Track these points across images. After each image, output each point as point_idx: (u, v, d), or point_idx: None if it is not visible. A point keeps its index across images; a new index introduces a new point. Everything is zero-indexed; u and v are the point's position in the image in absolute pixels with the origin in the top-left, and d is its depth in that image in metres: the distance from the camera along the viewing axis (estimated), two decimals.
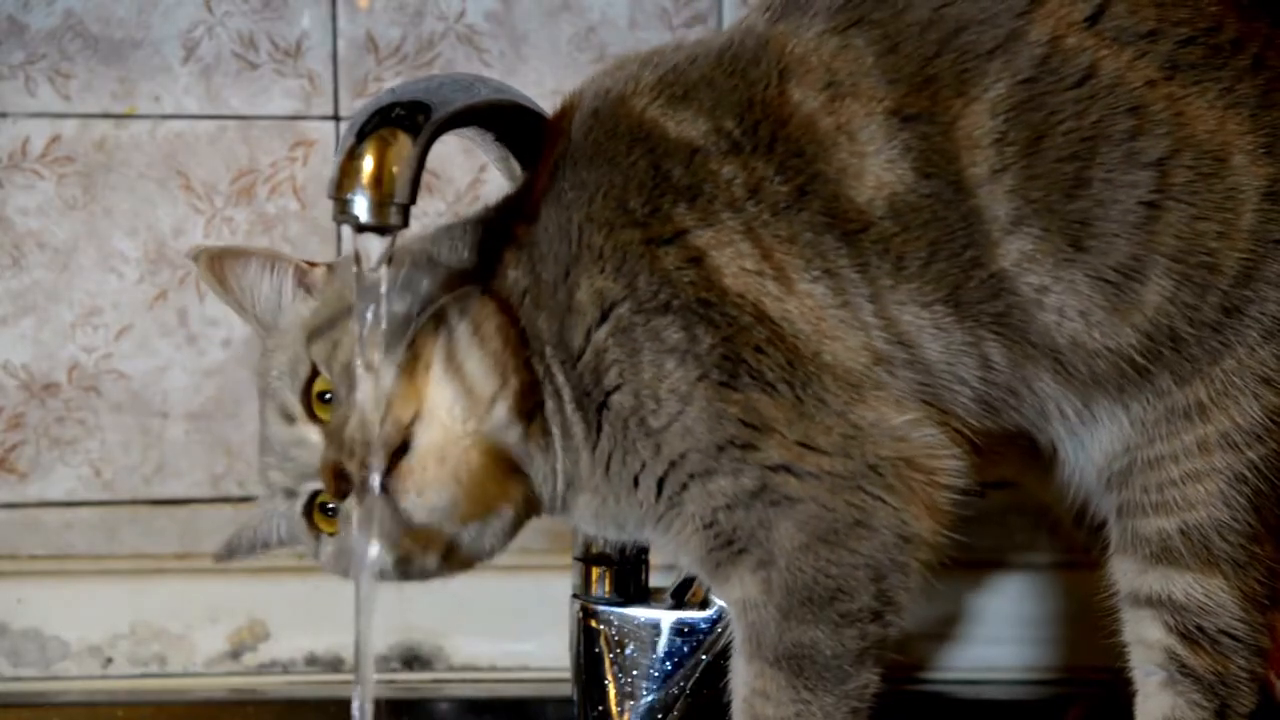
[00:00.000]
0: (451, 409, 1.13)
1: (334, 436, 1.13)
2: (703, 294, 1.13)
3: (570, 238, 1.15)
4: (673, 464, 1.15)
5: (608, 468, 1.17)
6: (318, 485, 1.17)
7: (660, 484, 1.16)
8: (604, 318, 1.14)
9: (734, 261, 1.13)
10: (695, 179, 1.14)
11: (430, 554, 1.16)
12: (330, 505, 1.18)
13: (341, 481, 1.12)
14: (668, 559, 1.28)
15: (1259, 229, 1.14)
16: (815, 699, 1.16)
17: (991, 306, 1.14)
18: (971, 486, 1.17)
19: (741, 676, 1.18)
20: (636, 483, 1.17)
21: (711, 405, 1.13)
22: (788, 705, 1.16)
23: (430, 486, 1.13)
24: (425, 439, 1.13)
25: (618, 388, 1.15)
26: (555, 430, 1.17)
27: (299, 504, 1.19)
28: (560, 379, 1.16)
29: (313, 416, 1.17)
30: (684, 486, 1.16)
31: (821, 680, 1.15)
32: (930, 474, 1.15)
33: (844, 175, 1.13)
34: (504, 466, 1.16)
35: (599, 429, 1.16)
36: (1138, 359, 1.16)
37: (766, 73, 1.15)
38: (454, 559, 1.17)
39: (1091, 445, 1.21)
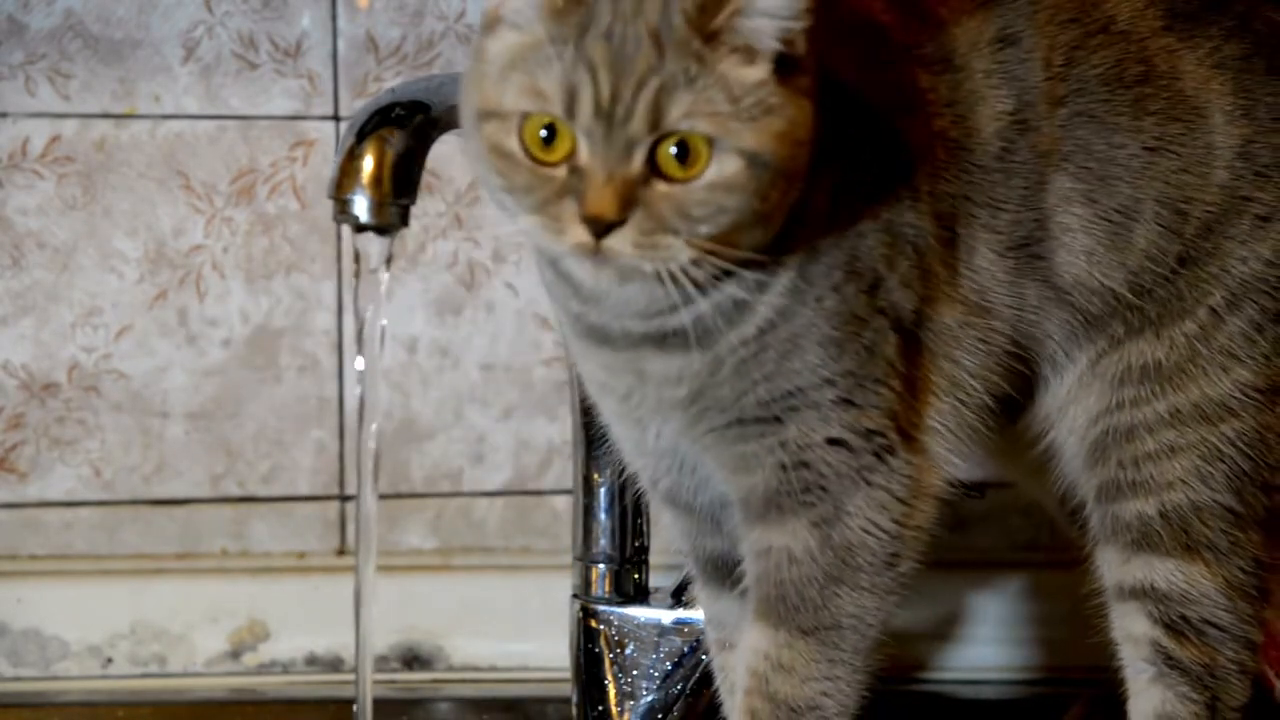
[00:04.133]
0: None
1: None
2: None
3: None
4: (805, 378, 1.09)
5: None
6: (574, 117, 0.97)
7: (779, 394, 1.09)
8: None
9: None
10: None
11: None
12: (550, 133, 0.98)
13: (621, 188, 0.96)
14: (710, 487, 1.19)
15: (1229, 185, 1.16)
16: (843, 675, 1.10)
17: (1036, 249, 1.14)
18: (969, 485, 1.17)
19: (757, 647, 1.11)
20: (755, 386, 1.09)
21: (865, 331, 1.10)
22: (815, 683, 1.10)
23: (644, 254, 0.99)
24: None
25: None
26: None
27: (556, 104, 0.97)
28: None
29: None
30: (794, 407, 1.09)
31: (856, 653, 1.10)
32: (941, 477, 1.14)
33: (974, 100, 1.14)
34: None
35: None
36: (1122, 301, 1.16)
37: None
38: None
39: (1060, 389, 1.19)
